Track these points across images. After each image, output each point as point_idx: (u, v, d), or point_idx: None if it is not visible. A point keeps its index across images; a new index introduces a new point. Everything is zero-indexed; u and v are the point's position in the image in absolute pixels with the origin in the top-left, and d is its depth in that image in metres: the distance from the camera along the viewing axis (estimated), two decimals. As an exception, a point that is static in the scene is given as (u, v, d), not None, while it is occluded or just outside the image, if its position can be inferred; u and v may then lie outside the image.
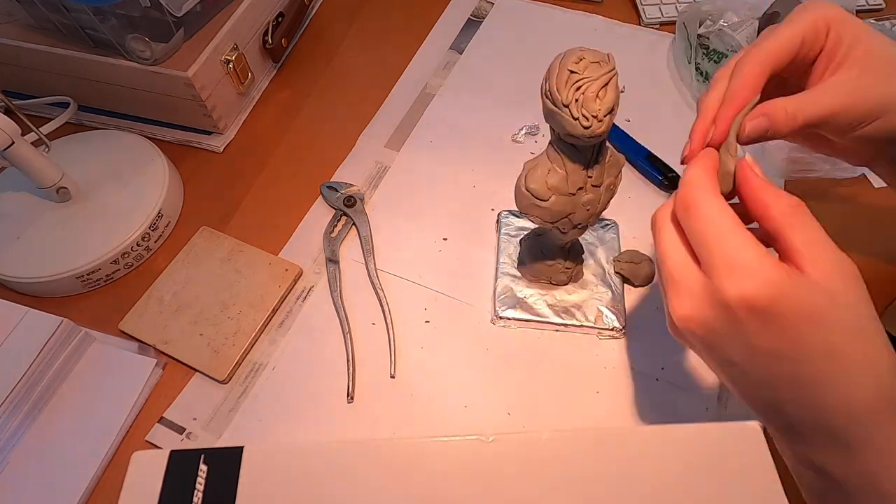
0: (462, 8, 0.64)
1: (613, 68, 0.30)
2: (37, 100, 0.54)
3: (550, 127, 0.33)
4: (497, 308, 0.43)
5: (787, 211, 0.25)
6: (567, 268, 0.43)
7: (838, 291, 0.23)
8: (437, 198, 0.50)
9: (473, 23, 0.63)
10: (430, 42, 0.62)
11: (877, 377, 0.23)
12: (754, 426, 0.22)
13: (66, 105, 0.52)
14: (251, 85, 0.57)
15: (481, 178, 0.51)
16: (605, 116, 0.30)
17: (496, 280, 0.45)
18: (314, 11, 0.66)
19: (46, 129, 0.48)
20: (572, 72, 0.30)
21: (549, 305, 0.43)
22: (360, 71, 0.60)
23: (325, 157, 0.53)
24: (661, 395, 0.40)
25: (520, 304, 0.43)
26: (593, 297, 0.43)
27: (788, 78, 0.31)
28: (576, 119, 0.30)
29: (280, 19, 0.59)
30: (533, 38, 0.61)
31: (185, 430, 0.41)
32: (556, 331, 0.43)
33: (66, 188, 0.47)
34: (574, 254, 0.43)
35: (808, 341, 0.23)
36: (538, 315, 0.43)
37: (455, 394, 0.41)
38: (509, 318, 0.43)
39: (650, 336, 0.42)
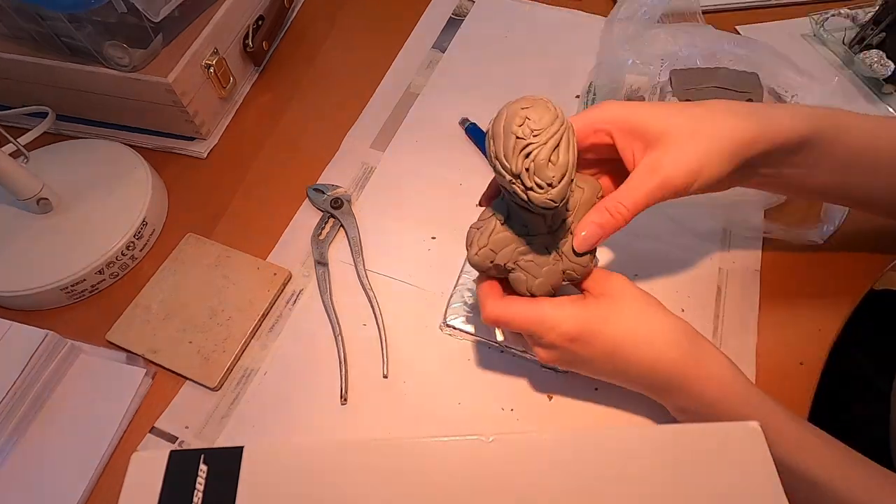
0: (443, 6, 0.64)
1: (563, 123, 0.28)
2: (14, 110, 0.53)
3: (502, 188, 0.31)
4: (446, 316, 0.43)
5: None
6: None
7: (614, 302, 0.34)
8: (424, 197, 0.50)
9: (455, 21, 0.63)
10: (413, 41, 0.62)
11: (663, 344, 0.33)
12: (753, 426, 0.23)
13: (44, 115, 0.51)
14: (233, 89, 0.57)
15: (468, 175, 0.51)
16: (559, 182, 0.28)
17: (454, 287, 0.44)
18: (295, 13, 0.65)
19: (24, 139, 0.48)
20: (518, 137, 0.28)
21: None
22: (343, 72, 0.60)
23: (310, 160, 0.53)
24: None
25: (472, 315, 0.43)
26: None
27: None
28: (529, 189, 0.28)
29: (260, 22, 0.59)
30: (515, 34, 0.61)
31: (177, 438, 0.40)
32: (502, 351, 0.42)
33: (46, 199, 0.46)
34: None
35: (602, 341, 0.33)
36: (483, 332, 0.42)
37: (448, 392, 0.41)
38: (455, 328, 0.43)
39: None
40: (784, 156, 0.34)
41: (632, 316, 0.33)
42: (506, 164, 0.28)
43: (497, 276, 0.35)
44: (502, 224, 0.33)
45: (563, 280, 0.34)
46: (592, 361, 0.34)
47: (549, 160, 0.28)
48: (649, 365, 0.33)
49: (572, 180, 0.29)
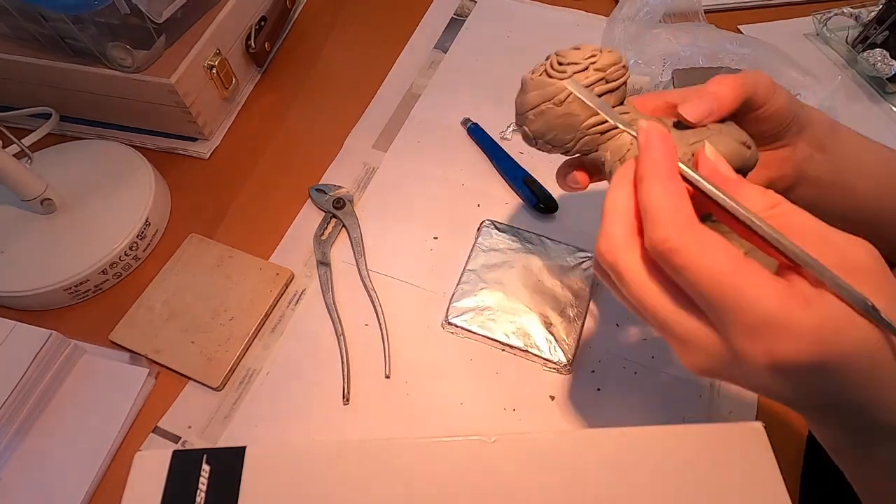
0: (445, 7, 0.64)
1: (593, 53, 0.28)
2: (17, 111, 0.54)
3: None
4: (449, 314, 0.43)
5: (769, 215, 0.22)
6: None
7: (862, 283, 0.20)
8: (426, 197, 0.50)
9: (457, 21, 0.63)
10: (415, 42, 0.62)
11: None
12: (756, 426, 0.23)
13: (47, 116, 0.51)
14: (236, 90, 0.57)
15: (470, 176, 0.51)
16: (597, 50, 0.28)
17: (457, 284, 0.44)
18: (297, 14, 0.65)
19: (28, 140, 0.48)
20: (550, 71, 0.28)
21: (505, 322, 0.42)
22: (345, 72, 0.60)
23: (312, 160, 0.53)
24: (653, 384, 0.40)
25: (474, 314, 0.43)
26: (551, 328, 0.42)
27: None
28: (594, 65, 0.28)
29: (263, 23, 0.59)
30: (517, 34, 0.61)
31: (180, 438, 0.40)
32: (503, 350, 0.42)
33: (50, 200, 0.46)
34: None
35: (853, 370, 0.20)
36: (486, 330, 0.42)
37: (450, 392, 0.41)
38: (457, 327, 0.43)
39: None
40: (824, 135, 0.32)
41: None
42: (556, 77, 0.28)
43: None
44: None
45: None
46: (797, 391, 0.22)
47: (574, 48, 0.29)
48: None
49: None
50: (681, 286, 0.22)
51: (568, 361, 0.41)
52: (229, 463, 0.23)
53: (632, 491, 0.22)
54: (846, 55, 0.57)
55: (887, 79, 0.53)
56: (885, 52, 0.54)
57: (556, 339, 0.41)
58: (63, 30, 0.48)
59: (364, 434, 0.40)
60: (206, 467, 0.23)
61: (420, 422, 0.40)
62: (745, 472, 0.22)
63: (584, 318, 0.42)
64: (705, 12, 0.58)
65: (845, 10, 0.58)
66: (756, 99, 0.29)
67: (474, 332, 0.42)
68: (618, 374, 0.41)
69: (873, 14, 0.55)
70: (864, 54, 0.54)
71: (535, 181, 0.49)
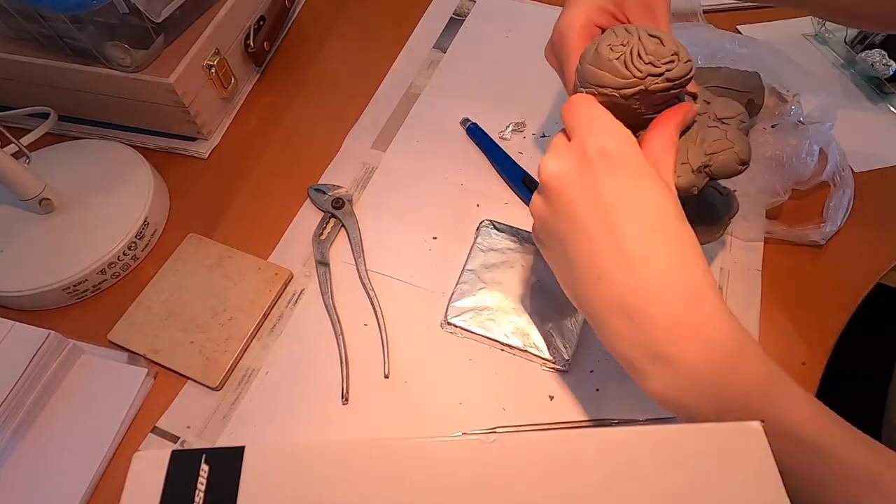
0: (444, 7, 0.64)
1: (634, 27, 0.30)
2: (16, 111, 0.54)
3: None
4: (448, 314, 0.43)
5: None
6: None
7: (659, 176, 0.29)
8: (425, 197, 0.50)
9: (456, 21, 0.63)
10: (414, 41, 0.62)
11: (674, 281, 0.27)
12: (755, 426, 0.23)
13: (46, 115, 0.51)
14: (234, 89, 0.57)
15: (469, 176, 0.51)
16: (678, 47, 0.29)
17: (456, 284, 0.44)
18: (296, 14, 0.65)
19: (26, 140, 0.48)
20: (618, 58, 0.29)
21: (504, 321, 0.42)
22: (344, 72, 0.60)
23: (311, 160, 0.53)
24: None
25: (473, 313, 0.43)
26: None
27: None
28: (665, 72, 0.29)
29: (261, 23, 0.59)
30: (516, 34, 0.61)
31: (178, 438, 0.40)
32: (502, 350, 0.42)
33: (48, 199, 0.46)
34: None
35: (635, 173, 0.28)
36: (485, 330, 0.42)
37: (449, 391, 0.41)
38: (456, 326, 0.43)
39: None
40: None
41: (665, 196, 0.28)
42: (631, 80, 0.30)
43: (701, 185, 0.33)
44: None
45: (745, 131, 0.34)
46: (597, 207, 0.28)
47: (656, 43, 0.30)
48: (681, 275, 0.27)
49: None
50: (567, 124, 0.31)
51: (567, 361, 0.41)
52: (228, 463, 0.23)
53: (630, 491, 0.22)
54: (844, 55, 0.57)
55: (885, 79, 0.53)
56: (883, 52, 0.54)
57: (555, 338, 0.42)
58: (62, 29, 0.48)
59: (363, 434, 0.40)
60: (204, 467, 0.23)
61: (419, 421, 0.40)
62: (743, 471, 0.22)
63: (583, 317, 0.43)
64: (704, 12, 0.58)
65: (844, 11, 0.58)
66: None
67: (473, 332, 0.42)
68: (617, 373, 0.41)
69: (872, 14, 0.55)
70: (863, 54, 0.54)
71: (534, 181, 0.49)
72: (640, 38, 0.30)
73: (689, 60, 0.30)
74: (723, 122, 0.34)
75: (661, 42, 0.30)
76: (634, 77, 0.30)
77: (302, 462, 0.23)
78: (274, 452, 0.23)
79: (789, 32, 0.60)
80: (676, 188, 0.31)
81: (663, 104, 0.32)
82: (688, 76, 0.30)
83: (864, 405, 0.47)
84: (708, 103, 0.34)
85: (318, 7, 0.66)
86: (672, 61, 0.30)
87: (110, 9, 0.45)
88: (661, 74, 0.30)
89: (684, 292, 0.27)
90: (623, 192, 0.28)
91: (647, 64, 0.30)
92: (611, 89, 0.31)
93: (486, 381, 0.41)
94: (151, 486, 0.22)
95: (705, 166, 0.33)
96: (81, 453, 0.39)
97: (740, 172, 0.33)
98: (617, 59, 0.30)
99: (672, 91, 0.31)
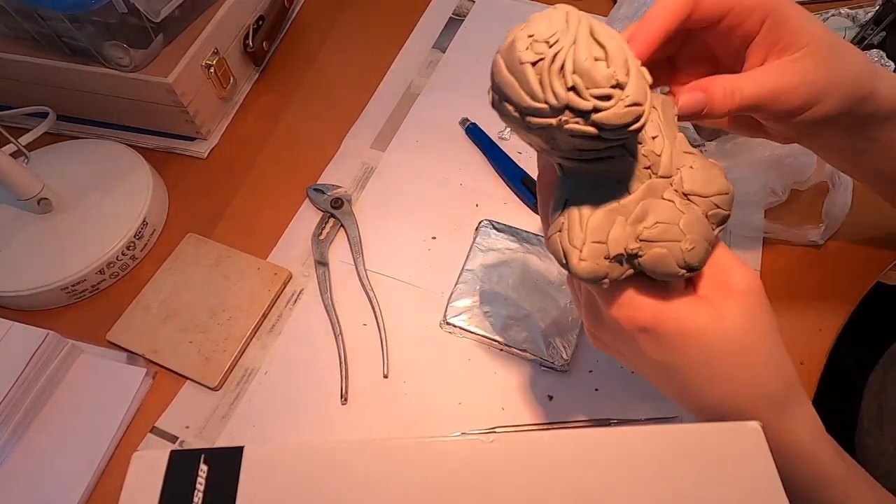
0: (443, 7, 0.64)
1: (578, 13, 0.20)
2: (14, 110, 0.53)
3: (542, 159, 0.24)
4: (447, 313, 0.43)
5: None
6: None
7: (726, 308, 0.25)
8: (424, 197, 0.50)
9: (455, 21, 0.63)
10: (413, 41, 0.62)
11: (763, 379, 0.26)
12: (754, 426, 0.23)
13: (44, 115, 0.51)
14: (233, 89, 0.57)
15: (468, 176, 0.51)
16: (628, 75, 0.19)
17: (455, 284, 0.44)
18: (295, 13, 0.65)
19: (25, 139, 0.48)
20: (534, 62, 0.20)
21: (504, 318, 0.42)
22: (344, 72, 0.60)
23: (310, 160, 0.53)
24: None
25: (473, 313, 0.43)
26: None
27: (720, 59, 0.30)
28: (593, 112, 0.19)
29: (261, 22, 0.59)
30: (515, 34, 0.61)
31: (177, 438, 0.40)
32: (501, 350, 0.42)
33: (47, 199, 0.46)
34: None
35: (687, 352, 0.26)
36: (484, 329, 0.42)
37: (448, 391, 0.41)
38: (455, 326, 0.43)
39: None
40: (880, 124, 0.30)
41: (747, 324, 0.25)
42: (542, 105, 0.19)
43: (622, 276, 0.24)
44: (586, 205, 0.23)
45: (714, 228, 0.24)
46: (649, 365, 0.27)
47: (595, 57, 0.19)
48: (747, 396, 0.26)
49: (641, 69, 0.20)
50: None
51: (566, 361, 0.41)
52: (227, 463, 0.23)
53: (629, 491, 0.22)
54: (843, 56, 0.57)
55: (884, 79, 0.54)
56: (882, 52, 0.54)
57: (554, 338, 0.42)
58: (60, 29, 0.48)
59: (362, 434, 0.40)
60: (203, 467, 0.23)
61: (418, 421, 0.40)
62: (742, 471, 0.22)
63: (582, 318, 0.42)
64: (703, 13, 0.58)
65: (842, 11, 0.58)
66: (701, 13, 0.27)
67: (472, 332, 0.42)
68: (616, 373, 0.41)
69: (870, 15, 0.56)
70: (862, 55, 0.54)
71: (533, 181, 0.49)
72: (575, 41, 0.19)
73: (637, 104, 0.19)
74: (688, 200, 0.23)
75: (606, 57, 0.19)
76: (546, 102, 0.20)
77: (301, 462, 0.23)
78: (273, 452, 0.23)
79: (788, 32, 0.60)
80: (576, 274, 0.24)
81: (594, 155, 0.22)
82: (631, 127, 0.20)
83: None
84: (692, 167, 0.24)
85: (317, 7, 0.66)
86: (609, 97, 0.19)
87: (109, 8, 0.45)
88: (585, 113, 0.20)
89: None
90: (668, 358, 0.26)
91: (568, 89, 0.19)
92: (511, 106, 0.21)
93: (485, 381, 0.41)
94: (150, 487, 0.22)
95: (632, 256, 0.24)
96: (80, 453, 0.39)
97: (678, 277, 0.24)
98: (533, 63, 0.20)
99: (603, 146, 0.21)
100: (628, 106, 0.19)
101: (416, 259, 0.47)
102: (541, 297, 0.43)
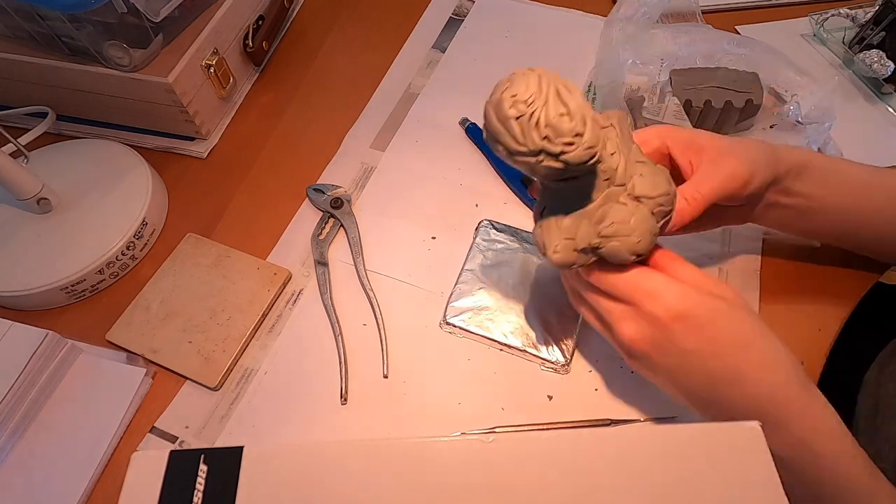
0: (443, 7, 0.64)
1: (547, 76, 0.27)
2: (14, 110, 0.54)
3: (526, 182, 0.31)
4: (447, 314, 0.43)
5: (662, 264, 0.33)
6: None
7: (730, 298, 0.31)
8: (424, 197, 0.50)
9: (455, 21, 0.63)
10: (413, 41, 0.62)
11: (781, 361, 0.30)
12: (753, 426, 0.23)
13: (44, 115, 0.51)
14: (233, 89, 0.57)
15: (468, 175, 0.51)
16: (585, 125, 0.26)
17: (455, 284, 0.44)
18: (295, 13, 0.65)
19: (24, 139, 0.48)
20: (517, 118, 0.26)
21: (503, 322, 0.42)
22: (343, 72, 0.60)
23: (310, 160, 0.53)
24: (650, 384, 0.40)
25: (472, 313, 0.43)
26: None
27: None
28: (561, 154, 0.26)
29: (260, 22, 0.59)
30: (515, 34, 0.61)
31: (177, 438, 0.40)
32: (501, 350, 0.42)
33: (46, 199, 0.46)
34: None
35: (722, 336, 0.30)
36: (483, 330, 0.42)
37: (448, 391, 0.41)
38: (455, 326, 0.43)
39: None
40: (793, 179, 0.37)
41: (754, 325, 0.30)
42: (524, 148, 0.27)
43: (586, 264, 0.32)
44: (560, 211, 0.31)
45: (658, 221, 0.31)
46: (688, 355, 0.30)
47: (560, 113, 0.26)
48: (770, 387, 0.29)
49: (595, 119, 0.27)
50: (611, 293, 0.33)
51: (566, 361, 0.41)
52: (227, 463, 0.23)
53: (629, 490, 0.22)
54: (843, 56, 0.57)
55: (883, 79, 0.54)
56: (881, 52, 0.54)
57: (553, 338, 0.42)
58: (60, 28, 0.48)
59: (362, 434, 0.40)
60: (203, 467, 0.23)
61: (418, 421, 0.40)
62: (742, 471, 0.22)
63: (582, 317, 0.43)
64: (703, 13, 0.58)
65: (842, 11, 0.59)
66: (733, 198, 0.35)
67: (472, 332, 0.42)
68: (615, 373, 0.41)
69: (870, 15, 0.56)
70: (861, 55, 0.54)
71: (532, 181, 0.49)
72: (546, 102, 0.26)
73: (591, 147, 0.27)
74: (638, 202, 0.30)
75: (569, 113, 0.26)
76: (527, 146, 0.27)
77: (301, 462, 0.23)
78: (272, 452, 0.23)
79: (788, 33, 0.60)
80: (552, 262, 0.31)
81: (564, 176, 0.29)
82: (587, 163, 0.27)
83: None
84: (641, 175, 0.31)
85: (316, 7, 0.66)
86: (571, 143, 0.26)
87: (109, 8, 0.45)
88: (555, 154, 0.27)
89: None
90: (706, 344, 0.30)
91: (542, 139, 0.26)
92: (501, 147, 0.28)
93: (484, 381, 0.41)
94: (150, 487, 0.22)
95: (595, 248, 0.31)
96: (80, 453, 0.39)
97: (630, 262, 0.31)
98: (516, 118, 0.27)
99: (568, 176, 0.29)
100: (586, 149, 0.27)
101: (415, 259, 0.47)
102: (540, 297, 0.43)
